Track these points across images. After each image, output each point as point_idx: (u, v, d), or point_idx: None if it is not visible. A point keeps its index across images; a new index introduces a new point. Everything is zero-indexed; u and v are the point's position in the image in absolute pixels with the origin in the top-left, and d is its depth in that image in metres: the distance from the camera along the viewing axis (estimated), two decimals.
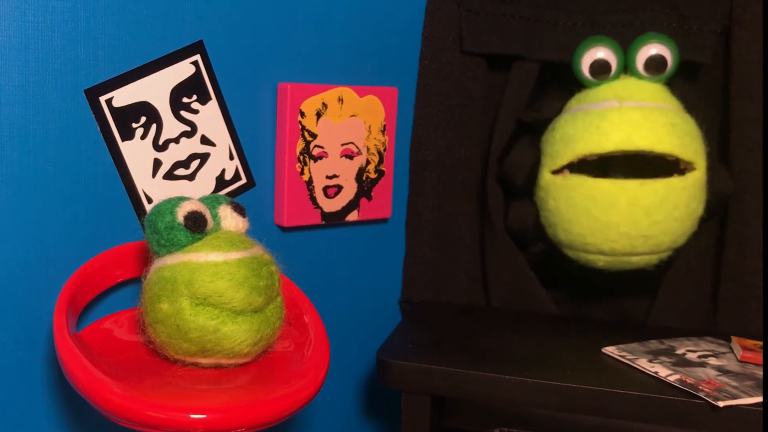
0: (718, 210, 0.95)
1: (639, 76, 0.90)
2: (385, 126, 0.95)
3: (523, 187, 0.96)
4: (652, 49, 0.89)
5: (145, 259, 0.72)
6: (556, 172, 0.90)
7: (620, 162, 0.90)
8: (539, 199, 0.93)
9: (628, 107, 0.87)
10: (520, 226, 0.98)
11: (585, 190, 0.87)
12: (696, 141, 0.88)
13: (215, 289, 0.65)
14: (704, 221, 0.92)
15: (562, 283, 1.01)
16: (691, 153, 0.87)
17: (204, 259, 0.66)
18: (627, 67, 0.90)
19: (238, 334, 0.66)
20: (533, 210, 0.95)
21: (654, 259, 0.90)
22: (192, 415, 0.59)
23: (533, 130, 0.96)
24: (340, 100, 0.89)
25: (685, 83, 0.95)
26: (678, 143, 0.85)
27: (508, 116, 0.98)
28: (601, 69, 0.90)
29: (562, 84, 0.94)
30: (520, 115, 0.98)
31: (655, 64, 0.89)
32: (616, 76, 0.91)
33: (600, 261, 0.90)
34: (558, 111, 0.94)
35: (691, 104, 0.92)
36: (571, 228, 0.89)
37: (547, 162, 0.91)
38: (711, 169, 0.90)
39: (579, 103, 0.91)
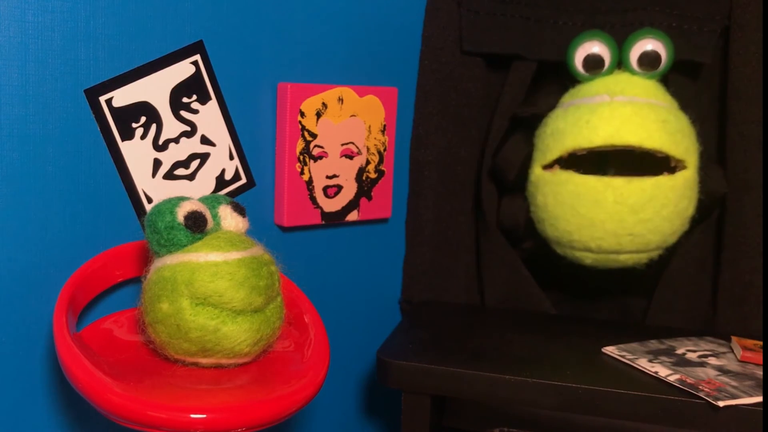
0: (711, 210, 0.95)
1: (632, 72, 0.90)
2: (385, 126, 0.95)
3: (515, 182, 0.96)
4: (647, 44, 0.88)
5: (145, 259, 0.72)
6: (546, 167, 0.90)
7: (613, 159, 0.90)
8: (529, 194, 0.93)
9: (619, 102, 0.86)
10: (512, 222, 0.97)
11: (571, 186, 0.87)
12: (688, 138, 0.87)
13: (215, 289, 0.65)
14: (697, 221, 0.92)
15: (557, 281, 1.01)
16: (682, 150, 0.86)
17: (204, 259, 0.66)
18: (621, 63, 0.90)
19: (238, 334, 0.66)
20: (525, 205, 0.95)
21: (643, 257, 0.90)
22: (192, 415, 0.59)
23: (528, 125, 0.96)
24: (340, 100, 0.89)
25: (684, 83, 0.95)
26: (668, 140, 0.85)
27: (504, 114, 0.98)
28: (594, 64, 0.90)
29: (559, 79, 0.94)
30: (515, 110, 0.97)
31: (648, 60, 0.88)
32: (610, 71, 0.90)
33: (587, 258, 0.90)
34: (552, 106, 0.93)
35: (690, 104, 0.92)
36: (557, 224, 0.89)
37: (537, 157, 0.91)
38: (704, 168, 0.90)
39: (572, 97, 0.91)
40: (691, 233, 0.94)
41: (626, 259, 0.89)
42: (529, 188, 0.93)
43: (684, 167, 0.87)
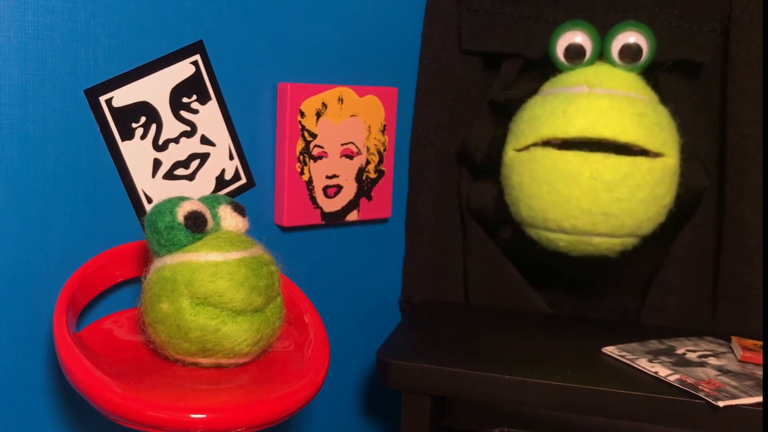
0: (692, 205, 0.94)
1: (613, 64, 0.89)
2: (385, 126, 0.95)
3: (482, 164, 0.95)
4: (630, 37, 0.88)
5: (145, 259, 0.72)
6: (519, 150, 0.89)
7: (593, 148, 0.90)
8: (504, 177, 0.92)
9: (597, 94, 0.86)
10: (480, 205, 0.97)
11: (548, 161, 0.86)
12: (666, 132, 0.86)
13: (215, 289, 0.65)
14: (677, 216, 0.91)
15: (547, 280, 1.00)
16: (659, 144, 0.85)
17: (204, 259, 0.66)
18: (603, 54, 0.90)
19: (238, 334, 0.66)
20: (494, 188, 0.94)
21: (617, 243, 0.88)
22: (192, 415, 0.59)
23: (504, 110, 0.95)
24: (340, 100, 0.89)
25: (684, 83, 0.95)
26: (644, 133, 0.84)
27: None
28: (575, 54, 0.89)
29: (540, 68, 0.94)
30: (491, 95, 0.97)
31: (630, 53, 0.88)
32: (591, 62, 0.90)
33: (561, 240, 0.89)
34: (530, 92, 0.93)
35: (689, 103, 0.92)
36: (532, 203, 0.88)
37: (511, 140, 0.91)
38: (685, 162, 0.89)
39: (551, 86, 0.91)
40: (684, 233, 0.94)
41: (600, 242, 0.88)
42: (504, 171, 0.92)
43: (663, 156, 0.86)
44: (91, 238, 0.75)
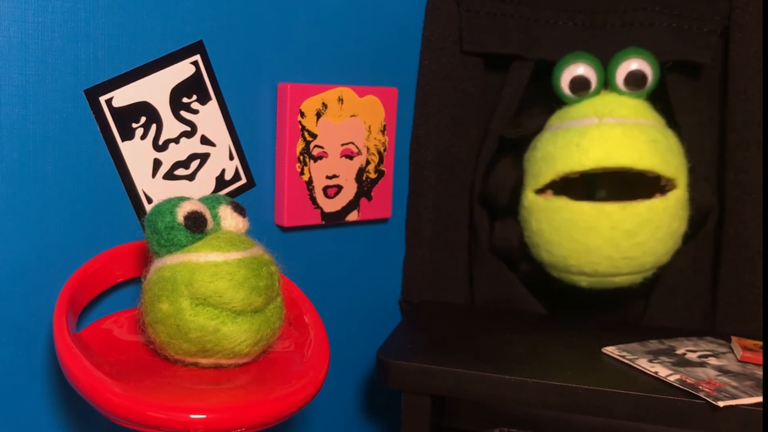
0: (702, 224, 0.95)
1: (619, 92, 0.90)
2: (385, 126, 0.95)
3: (507, 206, 0.96)
4: (632, 64, 0.88)
5: (145, 259, 0.72)
6: (539, 191, 0.90)
7: (604, 179, 0.90)
8: (523, 219, 0.93)
9: (608, 124, 0.86)
10: (506, 246, 0.98)
11: (566, 213, 0.87)
12: (677, 157, 0.87)
13: (215, 289, 0.65)
14: (690, 236, 0.92)
15: (554, 299, 1.01)
16: (673, 169, 0.86)
17: (204, 259, 0.66)
18: (607, 83, 0.90)
19: (238, 334, 0.66)
20: (518, 229, 0.94)
21: (638, 278, 0.90)
22: (192, 415, 0.59)
23: (515, 147, 0.96)
24: (340, 100, 0.89)
25: (684, 83, 0.95)
26: (659, 160, 0.85)
27: (502, 117, 0.97)
28: (581, 85, 0.90)
29: (545, 100, 0.94)
30: (502, 131, 0.97)
31: (635, 80, 0.89)
32: (597, 93, 0.90)
33: (583, 281, 0.90)
34: (539, 127, 0.93)
35: (689, 104, 0.92)
36: (553, 249, 0.89)
37: (529, 182, 0.91)
38: (692, 185, 0.90)
39: (560, 120, 0.91)
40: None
41: (622, 281, 0.90)
42: (522, 213, 0.93)
43: (674, 186, 0.87)
44: (91, 238, 0.75)
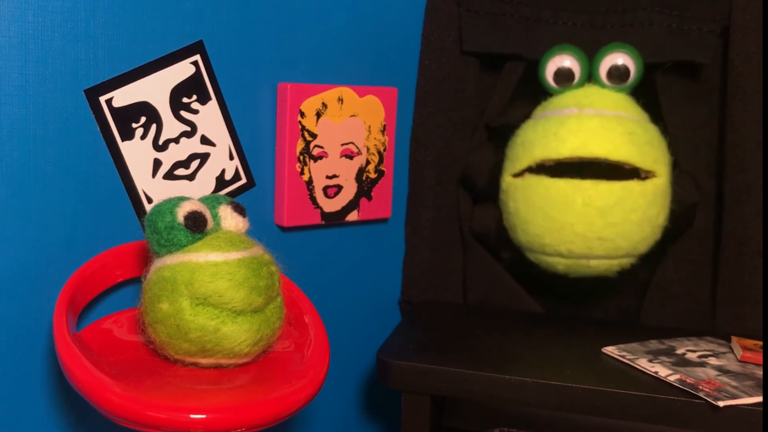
0: (686, 220, 0.95)
1: (602, 85, 0.91)
2: (384, 126, 0.95)
3: (485, 189, 0.97)
4: (617, 58, 0.89)
5: (145, 259, 0.72)
6: (516, 175, 0.91)
7: (586, 170, 0.90)
8: (501, 203, 0.94)
9: (587, 115, 0.87)
10: (483, 229, 0.99)
11: (541, 189, 0.88)
12: (656, 150, 0.87)
13: (215, 289, 0.65)
14: (672, 232, 0.92)
15: (544, 290, 1.01)
16: (650, 162, 0.86)
17: (204, 259, 0.66)
18: (591, 76, 0.91)
19: (238, 334, 0.66)
20: (496, 213, 0.95)
21: (614, 264, 0.90)
22: (192, 415, 0.59)
23: (500, 136, 0.97)
24: (340, 100, 0.89)
25: (685, 83, 0.95)
26: (635, 152, 0.85)
27: (491, 112, 0.99)
28: (565, 77, 0.91)
29: (533, 93, 0.95)
30: (488, 120, 0.99)
31: (618, 73, 0.90)
32: (580, 85, 0.91)
33: (559, 264, 0.90)
34: (524, 117, 0.94)
35: (689, 104, 0.92)
36: (528, 229, 0.90)
37: (507, 166, 0.92)
38: (676, 179, 0.90)
39: (543, 110, 0.92)
40: (682, 236, 0.94)
41: (597, 264, 0.89)
42: (501, 196, 0.94)
43: (654, 177, 0.87)
44: (91, 238, 0.75)
